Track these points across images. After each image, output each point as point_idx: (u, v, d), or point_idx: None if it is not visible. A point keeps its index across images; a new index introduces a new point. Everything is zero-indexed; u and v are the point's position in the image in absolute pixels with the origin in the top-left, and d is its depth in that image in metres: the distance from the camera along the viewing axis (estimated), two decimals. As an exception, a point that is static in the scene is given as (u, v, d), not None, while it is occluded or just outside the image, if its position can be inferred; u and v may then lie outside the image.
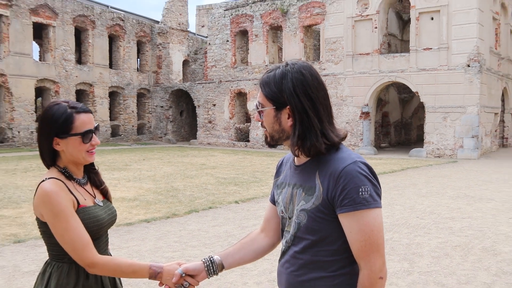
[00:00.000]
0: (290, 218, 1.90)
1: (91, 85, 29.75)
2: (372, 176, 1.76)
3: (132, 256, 6.36)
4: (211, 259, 2.09)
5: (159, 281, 2.12)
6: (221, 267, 2.10)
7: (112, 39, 31.67)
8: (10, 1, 24.73)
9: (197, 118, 32.63)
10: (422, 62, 23.03)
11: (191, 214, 9.19)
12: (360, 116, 25.13)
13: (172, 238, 7.36)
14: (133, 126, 33.20)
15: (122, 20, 31.72)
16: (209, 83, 31.77)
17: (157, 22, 34.56)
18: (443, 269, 5.90)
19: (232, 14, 30.48)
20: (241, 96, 30.85)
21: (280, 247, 2.05)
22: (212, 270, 2.09)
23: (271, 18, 28.68)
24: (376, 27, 24.46)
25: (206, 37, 36.17)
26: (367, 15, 24.64)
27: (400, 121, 31.27)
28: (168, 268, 2.11)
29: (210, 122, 31.99)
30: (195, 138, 33.12)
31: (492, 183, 13.57)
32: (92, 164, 2.35)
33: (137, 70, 33.52)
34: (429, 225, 8.28)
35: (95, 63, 29.95)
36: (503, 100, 26.54)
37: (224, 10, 30.81)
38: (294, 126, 1.82)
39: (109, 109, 31.32)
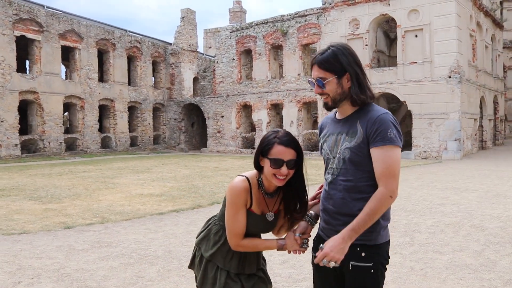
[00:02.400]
0: (334, 157, 2.30)
1: (112, 100, 30.10)
2: (397, 124, 2.22)
3: (169, 238, 6.64)
4: (309, 215, 2.47)
5: (286, 250, 2.42)
6: (316, 217, 2.48)
7: (130, 59, 32.07)
8: (41, 27, 25.16)
9: (207, 129, 32.93)
10: (408, 74, 23.39)
11: (214, 205, 9.48)
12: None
13: (200, 223, 7.60)
14: (149, 136, 33.49)
15: (139, 43, 32.16)
16: (217, 97, 32.13)
17: (170, 44, 34.99)
18: (439, 241, 6.20)
19: (237, 35, 30.92)
20: (246, 108, 31.19)
21: None
22: (313, 222, 2.47)
23: (272, 38, 29.09)
24: (366, 44, 24.84)
25: (214, 56, 36.60)
26: (358, 34, 25.03)
27: (389, 128, 31.51)
28: (288, 240, 2.41)
29: (219, 132, 32.30)
30: (206, 146, 33.38)
31: (475, 178, 13.85)
32: (304, 193, 2.46)
33: (153, 87, 33.87)
34: (423, 210, 8.57)
35: (115, 81, 30.32)
36: (481, 108, 26.85)
37: (230, 32, 31.26)
38: (352, 87, 2.26)
39: (128, 121, 31.62)
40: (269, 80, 29.44)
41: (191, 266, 2.66)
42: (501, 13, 32.43)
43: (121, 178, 14.49)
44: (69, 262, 5.40)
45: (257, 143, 29.91)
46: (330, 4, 25.92)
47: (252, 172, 2.45)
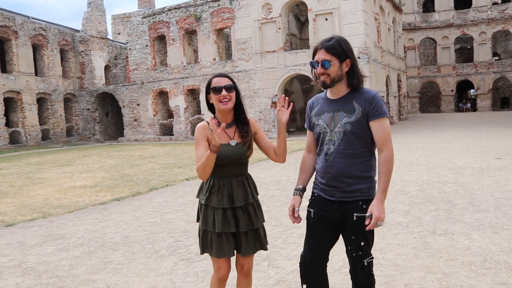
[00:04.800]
0: (332, 131, 2.74)
1: (18, 92, 28.27)
2: (384, 101, 2.79)
3: (120, 225, 6.73)
4: (299, 188, 2.97)
5: (215, 147, 2.71)
6: (304, 189, 2.98)
7: (35, 48, 30.20)
8: None
9: (123, 118, 32.13)
10: (320, 56, 24.49)
11: (152, 192, 9.58)
12: (271, 106, 26.25)
13: (146, 209, 7.78)
14: (62, 129, 31.97)
15: (44, 30, 30.33)
16: (132, 84, 31.40)
17: (78, 31, 33.40)
18: (372, 206, 6.91)
19: (149, 21, 30.31)
20: (162, 95, 30.86)
21: None
22: (302, 194, 2.97)
23: (186, 24, 28.92)
24: (279, 28, 25.62)
25: (125, 43, 35.57)
26: (271, 18, 25.73)
27: (303, 108, 32.85)
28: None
29: (135, 120, 31.66)
30: (122, 136, 32.61)
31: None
32: (244, 115, 3.01)
33: (62, 77, 32.20)
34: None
35: (20, 72, 28.46)
36: (387, 86, 28.91)
37: (142, 18, 30.55)
38: (350, 71, 2.72)
39: (38, 114, 29.93)
40: (184, 66, 29.33)
41: (198, 220, 3.05)
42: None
43: (45, 173, 13.93)
44: (27, 257, 5.35)
45: (175, 129, 29.85)
46: (243, -12, 26.28)
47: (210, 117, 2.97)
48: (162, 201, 8.43)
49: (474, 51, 42.51)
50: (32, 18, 30.07)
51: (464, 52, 46.65)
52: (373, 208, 2.61)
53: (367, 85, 23.91)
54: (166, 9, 29.73)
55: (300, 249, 5.06)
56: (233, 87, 2.91)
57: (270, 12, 25.75)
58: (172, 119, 30.71)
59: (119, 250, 5.41)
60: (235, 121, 2.99)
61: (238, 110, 2.99)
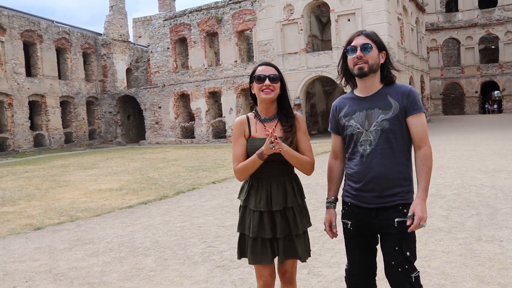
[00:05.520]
0: (367, 130, 2.53)
1: (43, 96, 28.60)
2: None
3: (150, 229, 6.58)
4: (331, 200, 2.78)
5: (265, 155, 2.59)
6: (336, 199, 2.80)
7: (59, 52, 30.53)
8: (-42, 19, 23.33)
9: (145, 121, 32.24)
10: (342, 57, 24.17)
11: (179, 195, 9.45)
12: (293, 108, 25.89)
13: (175, 213, 7.63)
14: (84, 132, 32.24)
15: (68, 34, 30.67)
16: (153, 87, 31.49)
17: (100, 34, 33.68)
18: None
19: (170, 24, 30.37)
20: (184, 97, 30.86)
21: None
22: (335, 205, 2.79)
23: (207, 26, 28.88)
24: (301, 29, 25.39)
25: (146, 46, 35.75)
26: (293, 19, 25.52)
27: (326, 111, 32.52)
28: (264, 146, 2.59)
29: (157, 123, 31.73)
30: (144, 139, 32.71)
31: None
32: (289, 108, 2.79)
33: (85, 80, 32.49)
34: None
35: (45, 75, 28.80)
36: (409, 86, 28.38)
37: (163, 21, 30.63)
38: (384, 64, 2.58)
39: (61, 117, 30.24)
40: (205, 68, 29.28)
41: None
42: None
43: (70, 176, 13.95)
44: (57, 262, 5.23)
45: (196, 132, 29.79)
46: (264, -10, 26.13)
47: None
48: (190, 205, 8.27)
49: (499, 51, 41.54)
50: (56, 22, 30.42)
51: (489, 53, 45.63)
52: (415, 208, 2.42)
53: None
54: (187, 12, 29.75)
55: (339, 256, 4.86)
56: (278, 78, 2.72)
57: (292, 13, 25.54)
58: (193, 122, 30.68)
59: (150, 255, 5.25)
60: (278, 114, 2.77)
61: (283, 103, 2.78)
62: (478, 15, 41.58)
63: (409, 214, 2.44)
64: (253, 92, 2.79)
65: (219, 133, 29.66)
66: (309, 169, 2.75)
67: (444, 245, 5.00)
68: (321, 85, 31.20)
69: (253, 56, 28.69)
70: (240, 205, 2.82)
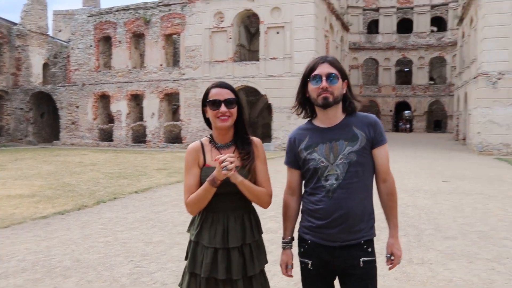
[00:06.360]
0: (333, 164, 2.34)
1: None
2: None
3: (68, 245, 6.01)
4: (287, 240, 2.56)
5: (218, 181, 2.27)
6: (292, 239, 2.58)
7: (-35, 40, 27.97)
8: None
9: (60, 120, 30.38)
10: (270, 69, 24.45)
11: (100, 205, 8.82)
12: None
13: (96, 226, 7.07)
14: (-10, 128, 29.74)
15: (-23, 21, 28.23)
16: (72, 85, 29.83)
17: (15, 24, 31.31)
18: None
19: (95, 21, 28.99)
20: (104, 98, 29.54)
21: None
22: (291, 245, 2.57)
23: (134, 26, 27.93)
24: (230, 38, 25.32)
25: (67, 41, 33.85)
26: (223, 27, 25.39)
27: (249, 120, 32.67)
28: (215, 170, 2.26)
29: (73, 123, 30.06)
30: (58, 139, 30.80)
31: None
32: (246, 134, 2.51)
33: (-6, 72, 30.03)
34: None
35: None
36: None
37: (88, 16, 29.16)
38: (346, 94, 2.43)
39: (-35, 111, 27.67)
40: (129, 70, 28.29)
41: (186, 258, 2.52)
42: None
43: (-27, 178, 12.64)
44: (-42, 283, 4.56)
45: (115, 135, 28.62)
46: (196, -5, 25.79)
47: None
48: (113, 217, 7.73)
49: (413, 74, 44.36)
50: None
51: (403, 74, 48.58)
52: (392, 248, 2.38)
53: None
54: (114, 10, 28.58)
55: None
56: (235, 101, 2.43)
57: (222, 21, 25.41)
58: (112, 124, 29.42)
59: (71, 277, 4.73)
60: (235, 141, 2.49)
61: (239, 127, 2.50)
62: (396, 39, 44.14)
63: (387, 255, 2.37)
64: (206, 116, 2.49)
65: (139, 137, 28.68)
66: (266, 202, 2.47)
67: (379, 268, 4.99)
68: (246, 95, 31.28)
69: (179, 60, 28.16)
70: (191, 240, 2.48)
